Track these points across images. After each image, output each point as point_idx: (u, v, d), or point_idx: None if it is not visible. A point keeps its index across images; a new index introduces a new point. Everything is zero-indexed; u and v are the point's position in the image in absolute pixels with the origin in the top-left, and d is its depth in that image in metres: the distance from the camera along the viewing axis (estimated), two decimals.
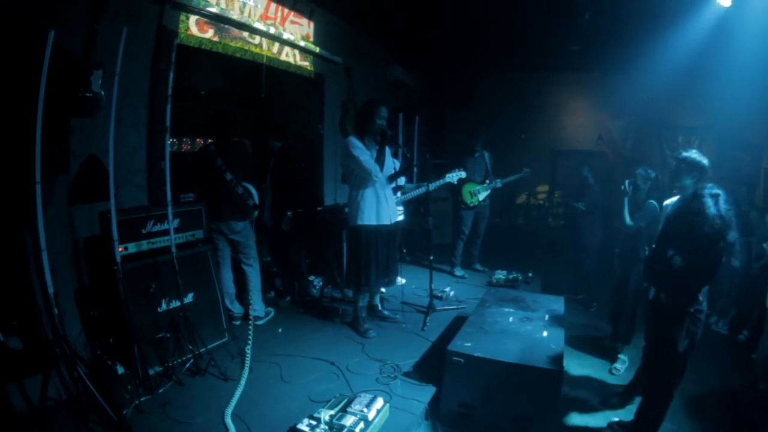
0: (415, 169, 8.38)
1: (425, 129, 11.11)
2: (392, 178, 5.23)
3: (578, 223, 7.55)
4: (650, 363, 3.95)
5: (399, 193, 5.83)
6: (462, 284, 7.27)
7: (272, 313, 5.71)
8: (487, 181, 7.66)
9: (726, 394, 4.73)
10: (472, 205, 7.56)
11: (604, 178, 9.93)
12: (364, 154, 4.87)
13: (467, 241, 7.90)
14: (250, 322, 4.66)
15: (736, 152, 9.05)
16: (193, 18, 5.19)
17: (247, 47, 5.95)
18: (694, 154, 4.12)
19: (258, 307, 5.46)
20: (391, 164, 5.23)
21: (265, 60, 6.26)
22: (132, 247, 4.20)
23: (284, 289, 6.39)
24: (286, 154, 6.14)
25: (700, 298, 3.53)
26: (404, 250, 8.04)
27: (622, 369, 5.25)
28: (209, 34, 5.41)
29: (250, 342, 4.48)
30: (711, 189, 3.47)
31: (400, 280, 6.64)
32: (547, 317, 4.69)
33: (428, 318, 5.55)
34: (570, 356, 5.29)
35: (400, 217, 5.96)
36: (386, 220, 5.09)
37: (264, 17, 6.09)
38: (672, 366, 3.62)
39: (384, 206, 5.05)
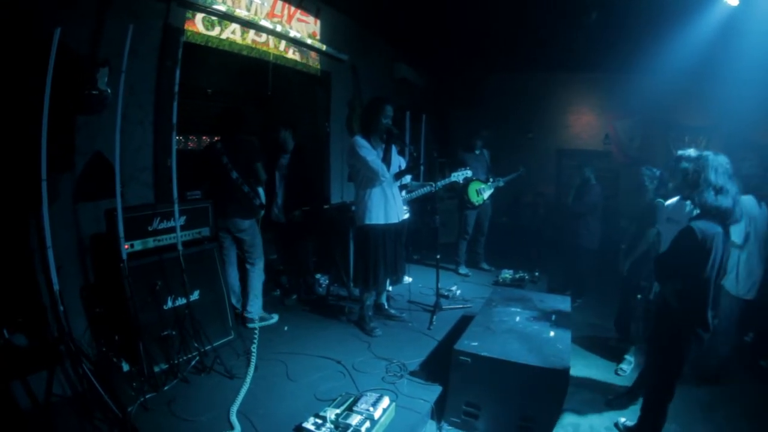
0: (422, 168, 8.38)
1: (432, 128, 11.09)
2: (398, 176, 5.20)
3: (577, 222, 7.47)
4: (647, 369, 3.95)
5: (404, 192, 5.81)
6: (468, 283, 7.26)
7: (273, 320, 5.53)
8: (491, 180, 7.66)
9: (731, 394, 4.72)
10: (477, 204, 7.55)
11: (611, 177, 9.94)
12: (370, 154, 4.86)
13: (471, 240, 7.90)
14: (256, 321, 4.67)
15: (744, 153, 8.98)
16: (199, 16, 5.19)
17: (254, 45, 5.94)
18: (690, 151, 4.12)
19: (253, 309, 5.35)
20: (397, 162, 5.20)
21: (271, 58, 6.25)
22: (138, 245, 4.20)
23: (290, 287, 6.38)
24: (301, 152, 6.11)
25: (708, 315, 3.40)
26: (409, 249, 8.03)
27: (627, 370, 5.22)
28: (215, 31, 5.41)
29: (255, 341, 4.49)
30: None
31: (407, 279, 6.64)
32: (553, 317, 4.67)
33: (435, 317, 5.54)
34: (576, 356, 5.25)
35: (406, 216, 5.94)
36: (394, 219, 5.08)
37: (270, 15, 6.08)
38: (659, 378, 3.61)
39: (392, 205, 5.04)
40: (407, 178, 5.63)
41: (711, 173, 3.29)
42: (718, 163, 3.33)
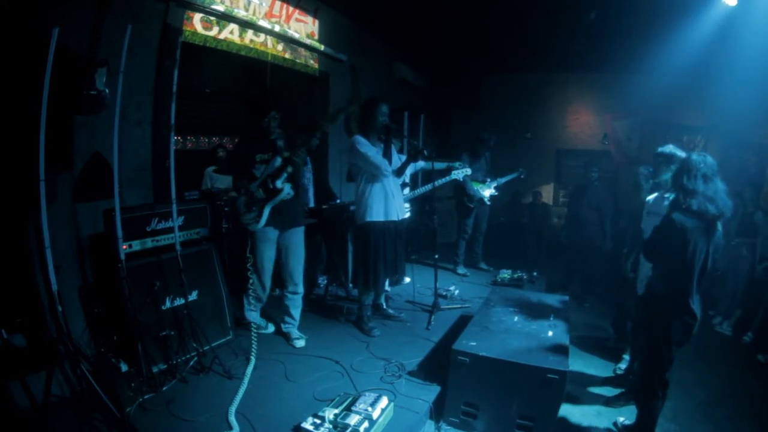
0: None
1: (431, 128, 11.09)
2: (400, 171, 5.21)
3: (582, 223, 7.43)
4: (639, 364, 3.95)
5: (406, 190, 5.81)
6: (467, 283, 7.26)
7: (254, 328, 4.89)
8: (489, 179, 7.66)
9: (731, 394, 4.71)
10: (476, 198, 7.54)
11: (610, 178, 9.95)
12: (371, 150, 4.88)
13: (469, 240, 7.90)
14: (253, 326, 4.67)
15: (742, 153, 9.01)
16: (197, 16, 5.19)
17: (252, 45, 5.94)
18: (669, 147, 4.16)
19: (248, 316, 5.05)
20: (397, 160, 5.21)
21: (269, 58, 6.25)
22: (136, 245, 4.19)
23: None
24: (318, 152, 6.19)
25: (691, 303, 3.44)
26: (408, 249, 8.03)
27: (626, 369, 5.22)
28: (214, 31, 5.41)
29: (254, 346, 4.48)
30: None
31: (406, 279, 6.64)
32: (552, 317, 4.66)
33: (433, 317, 5.55)
34: (574, 356, 5.25)
35: (407, 215, 5.92)
36: (394, 216, 5.08)
37: (269, 15, 6.09)
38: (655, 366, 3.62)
39: (392, 202, 5.04)
40: (420, 165, 5.62)
41: (684, 176, 3.44)
42: (696, 165, 3.44)
